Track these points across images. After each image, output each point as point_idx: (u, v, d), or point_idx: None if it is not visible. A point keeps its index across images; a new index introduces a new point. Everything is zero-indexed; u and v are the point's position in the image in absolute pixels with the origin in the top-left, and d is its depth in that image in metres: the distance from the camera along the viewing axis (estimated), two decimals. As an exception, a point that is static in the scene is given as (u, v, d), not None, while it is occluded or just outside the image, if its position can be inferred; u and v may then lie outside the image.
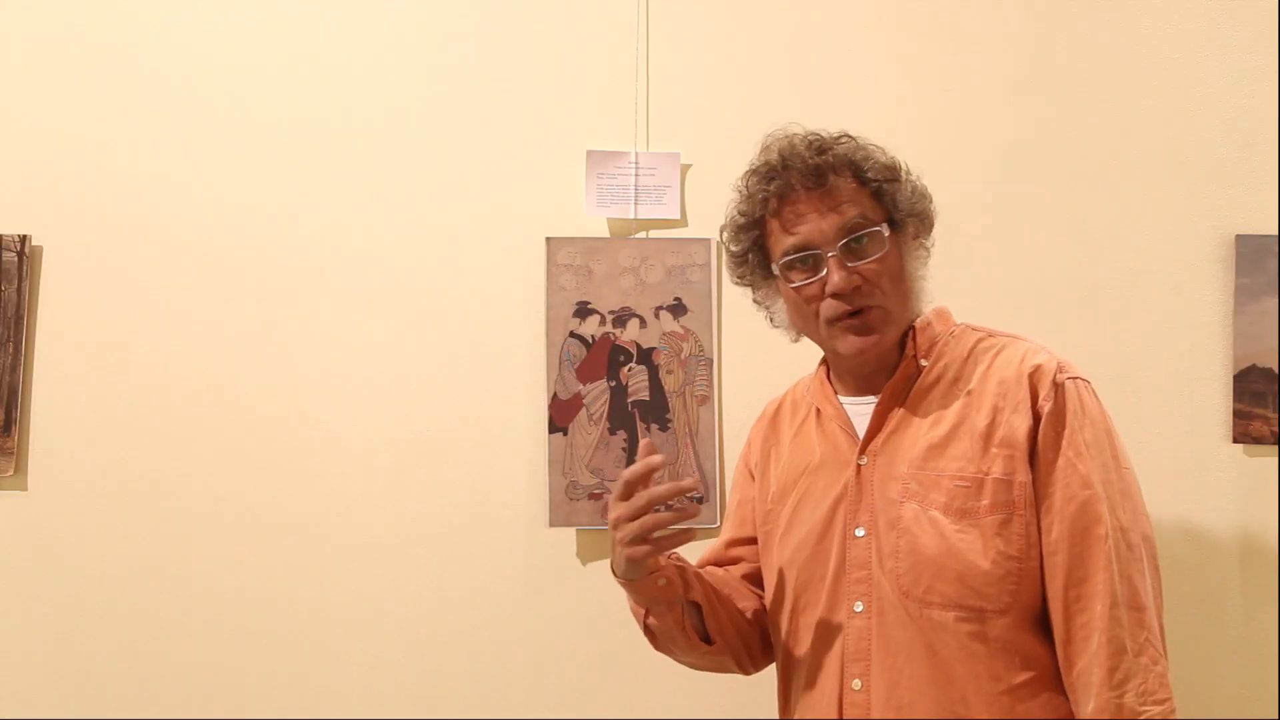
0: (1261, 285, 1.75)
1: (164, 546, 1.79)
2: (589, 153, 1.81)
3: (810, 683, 1.27)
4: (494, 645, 1.78)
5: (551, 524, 1.78)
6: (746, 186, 1.31)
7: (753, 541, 1.43)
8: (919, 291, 1.30)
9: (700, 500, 1.78)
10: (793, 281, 1.27)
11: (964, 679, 1.17)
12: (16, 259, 1.80)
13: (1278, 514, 1.73)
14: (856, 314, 1.24)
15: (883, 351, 1.27)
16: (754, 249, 1.32)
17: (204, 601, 1.78)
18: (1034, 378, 1.21)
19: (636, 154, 1.82)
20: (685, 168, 1.83)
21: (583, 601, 1.79)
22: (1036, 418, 1.20)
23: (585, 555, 1.80)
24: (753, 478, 1.46)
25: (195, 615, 1.78)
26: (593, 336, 1.81)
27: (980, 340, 1.30)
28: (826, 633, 1.26)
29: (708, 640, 1.35)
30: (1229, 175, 1.79)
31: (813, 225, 1.25)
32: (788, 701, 1.35)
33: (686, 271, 1.81)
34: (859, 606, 1.23)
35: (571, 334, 1.81)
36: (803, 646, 1.29)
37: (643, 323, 1.81)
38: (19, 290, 1.80)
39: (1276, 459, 1.74)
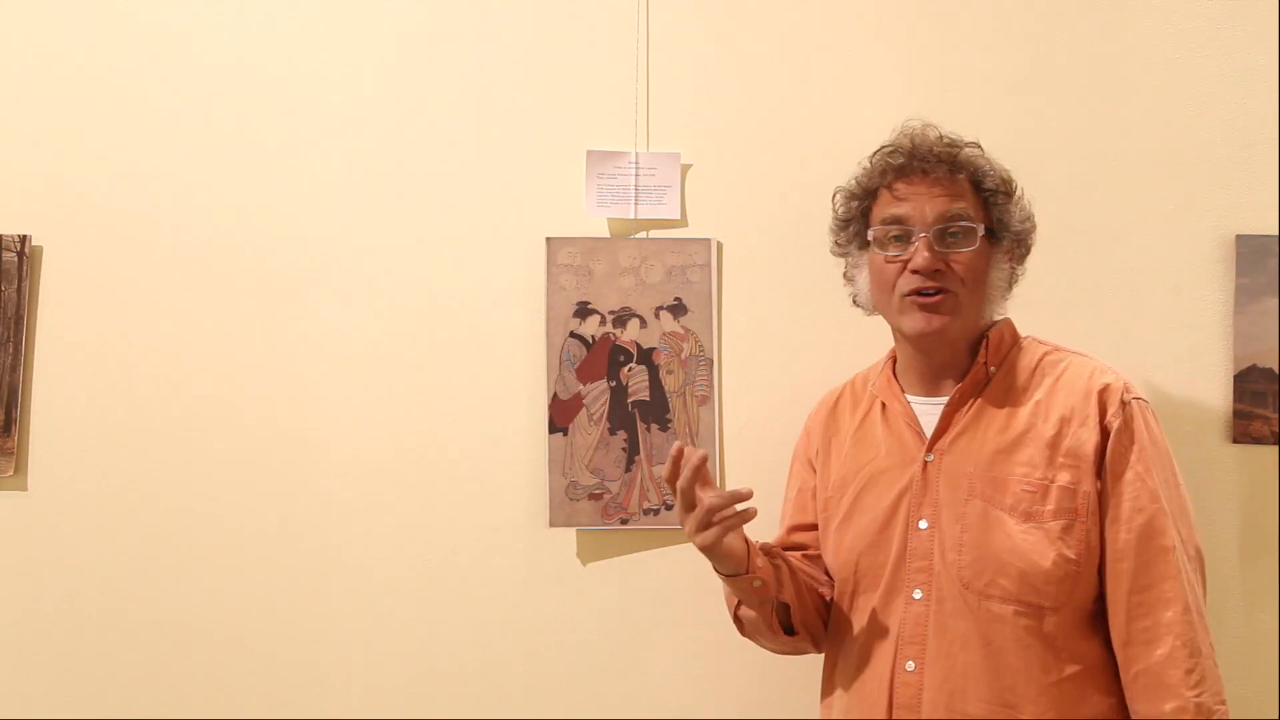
0: (1262, 285, 1.75)
1: (164, 546, 1.79)
2: (589, 153, 1.81)
3: (863, 663, 1.36)
4: (494, 645, 1.78)
5: (551, 524, 1.78)
6: (871, 160, 1.40)
7: (813, 528, 1.52)
8: (994, 301, 1.38)
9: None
10: (884, 249, 1.36)
11: (1015, 669, 1.26)
12: (16, 259, 1.80)
13: (1278, 514, 1.73)
14: (934, 294, 1.32)
15: (948, 343, 1.36)
16: (858, 218, 1.42)
17: (204, 601, 1.78)
18: (1103, 395, 1.30)
19: (636, 154, 1.82)
20: (685, 168, 1.83)
21: (583, 601, 1.79)
22: (1104, 433, 1.29)
23: (585, 555, 1.80)
24: (813, 468, 1.54)
25: (195, 615, 1.78)
26: (593, 336, 1.81)
27: (1047, 354, 1.39)
28: (883, 617, 1.35)
29: (791, 631, 1.45)
30: (1229, 175, 1.79)
31: (916, 204, 1.34)
32: (832, 681, 1.44)
33: (687, 271, 1.81)
34: (918, 594, 1.32)
35: (572, 334, 1.81)
36: (857, 629, 1.38)
37: (643, 323, 1.81)
38: (19, 290, 1.80)
39: (1276, 459, 1.74)
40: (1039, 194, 1.78)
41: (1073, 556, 1.26)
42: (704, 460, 1.27)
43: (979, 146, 1.38)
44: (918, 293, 1.33)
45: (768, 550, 1.41)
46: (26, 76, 1.84)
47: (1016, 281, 1.43)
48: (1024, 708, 1.26)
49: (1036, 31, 1.83)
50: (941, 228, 1.33)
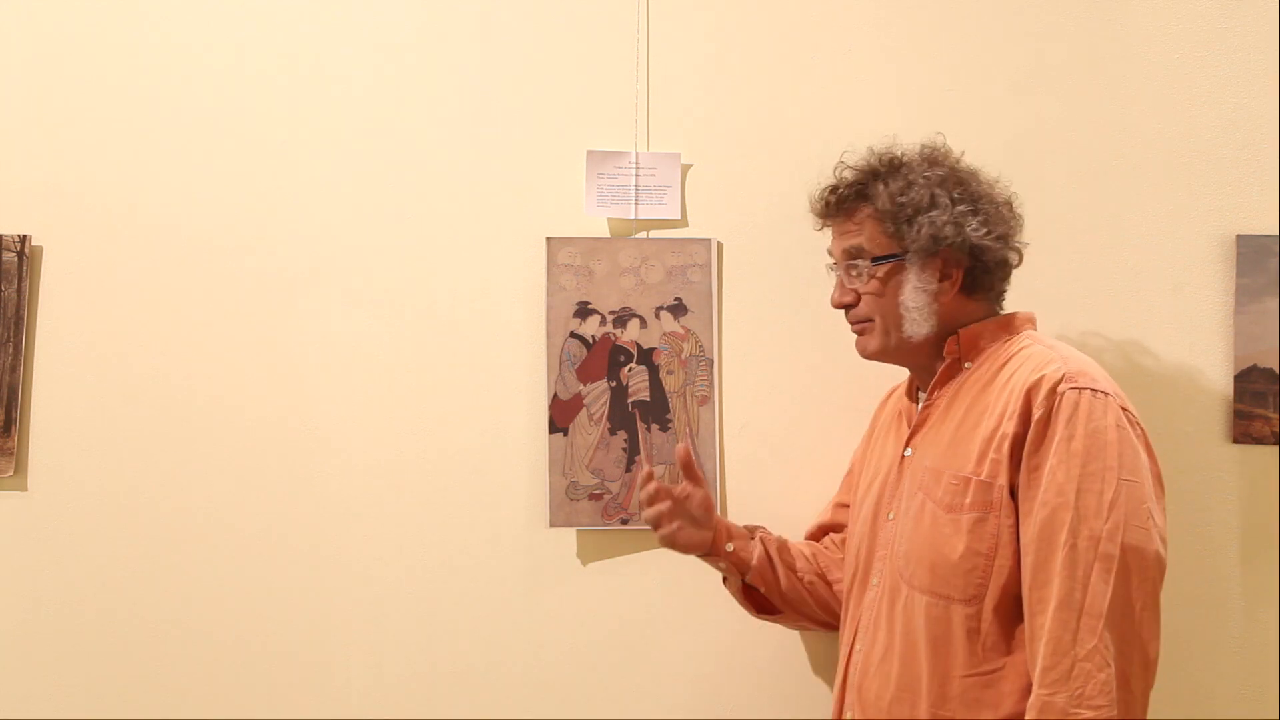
0: (1262, 285, 1.75)
1: (164, 546, 1.79)
2: (589, 153, 1.81)
3: (841, 640, 1.50)
4: (494, 645, 1.78)
5: (552, 524, 1.78)
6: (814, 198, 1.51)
7: (848, 506, 1.64)
8: (919, 319, 1.39)
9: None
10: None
11: (926, 658, 1.30)
12: (16, 259, 1.80)
13: (1278, 514, 1.73)
14: (856, 323, 1.46)
15: (905, 357, 1.44)
16: None
17: (204, 602, 1.78)
18: (1033, 387, 1.28)
19: (637, 154, 1.82)
20: (685, 168, 1.83)
21: (583, 601, 1.79)
22: (1027, 426, 1.27)
23: (585, 555, 1.80)
24: (864, 454, 1.64)
25: (195, 615, 1.78)
26: (593, 336, 1.81)
27: (1023, 348, 1.37)
28: (855, 602, 1.45)
29: (774, 610, 1.61)
30: (1229, 175, 1.79)
31: (834, 243, 1.49)
32: None
33: (687, 271, 1.81)
34: (875, 581, 1.41)
35: (572, 334, 1.81)
36: (844, 608, 1.51)
37: (643, 323, 1.81)
38: (19, 290, 1.80)
39: (1277, 459, 1.74)
40: (1039, 194, 1.79)
41: (982, 550, 1.27)
42: (650, 476, 1.55)
43: (895, 166, 1.42)
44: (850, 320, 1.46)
45: (762, 537, 1.60)
46: (26, 76, 1.84)
47: (988, 279, 1.42)
48: (926, 699, 1.28)
49: (1036, 31, 1.83)
50: (847, 264, 1.44)
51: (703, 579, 1.77)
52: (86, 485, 1.79)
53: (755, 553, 1.57)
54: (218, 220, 1.83)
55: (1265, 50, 1.80)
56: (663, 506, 1.52)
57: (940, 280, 1.39)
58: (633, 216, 1.82)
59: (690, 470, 1.55)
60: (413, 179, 1.84)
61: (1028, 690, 1.23)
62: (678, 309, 1.81)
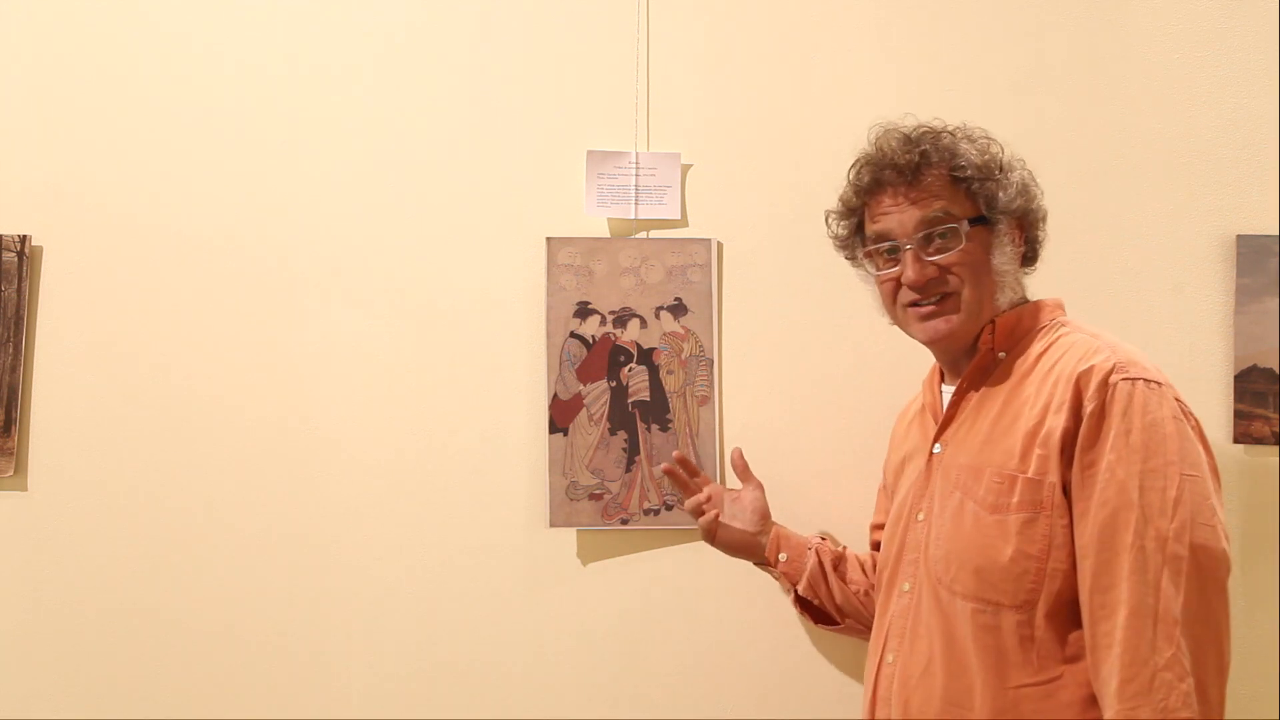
0: (1262, 285, 1.75)
1: (164, 547, 1.79)
2: (589, 153, 1.81)
3: (870, 650, 1.40)
4: (494, 645, 1.78)
5: (552, 524, 1.78)
6: (848, 176, 1.38)
7: (880, 527, 1.56)
8: (1009, 286, 1.32)
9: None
10: (877, 269, 1.36)
11: (974, 669, 1.20)
12: (16, 259, 1.80)
13: (1278, 514, 1.73)
14: (933, 302, 1.31)
15: (960, 338, 1.31)
16: (858, 233, 1.41)
17: (204, 602, 1.78)
18: (1083, 378, 1.20)
19: (637, 154, 1.82)
20: (685, 168, 1.83)
21: (583, 601, 1.79)
22: (1078, 419, 1.19)
23: (585, 555, 1.80)
24: (885, 473, 1.59)
25: (195, 615, 1.78)
26: (593, 336, 1.81)
27: (1062, 336, 1.29)
28: (884, 609, 1.36)
29: (832, 620, 1.58)
30: (1229, 175, 1.79)
31: (894, 218, 1.31)
32: None
33: (687, 271, 1.81)
34: (906, 586, 1.32)
35: (572, 334, 1.81)
36: (876, 617, 1.41)
37: (643, 323, 1.81)
38: (19, 290, 1.80)
39: (1276, 459, 1.74)
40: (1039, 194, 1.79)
41: (1033, 552, 1.18)
42: (682, 461, 1.59)
43: (952, 133, 1.32)
44: (916, 304, 1.32)
45: (818, 548, 1.57)
46: (26, 76, 1.84)
47: (1037, 249, 1.38)
48: (978, 713, 1.19)
49: (1036, 31, 1.83)
50: (925, 234, 1.29)
51: (702, 579, 1.78)
52: (86, 485, 1.79)
53: (808, 565, 1.54)
54: (218, 220, 1.83)
55: (1265, 50, 1.80)
56: (700, 497, 1.56)
57: (1017, 247, 1.34)
58: (633, 216, 1.82)
59: (745, 473, 1.61)
60: (413, 179, 1.84)
61: (1089, 700, 1.16)
62: (678, 309, 1.81)
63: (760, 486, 1.61)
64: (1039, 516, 1.19)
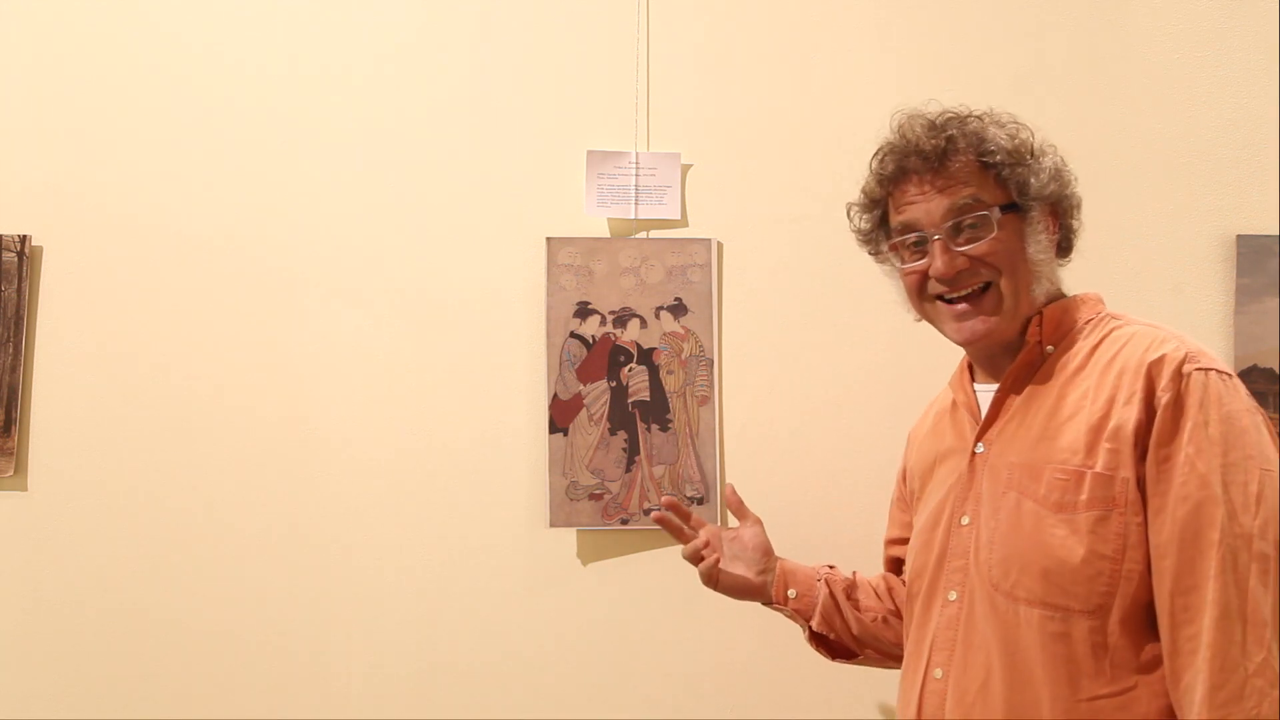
0: (1262, 285, 1.75)
1: (164, 547, 1.79)
2: (589, 153, 1.81)
3: (906, 667, 1.28)
4: (494, 645, 1.78)
5: (552, 524, 1.78)
6: (871, 166, 1.29)
7: (899, 542, 1.46)
8: (1046, 277, 1.24)
9: (701, 501, 1.78)
10: (903, 262, 1.26)
11: (1041, 681, 1.11)
12: (16, 259, 1.80)
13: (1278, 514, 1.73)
14: (967, 298, 1.21)
15: (1000, 337, 1.22)
16: (881, 226, 1.31)
17: (204, 602, 1.78)
18: (1154, 367, 1.12)
19: (637, 154, 1.82)
20: (685, 168, 1.83)
21: (583, 601, 1.79)
22: (1151, 411, 1.11)
23: (585, 555, 1.80)
24: (901, 480, 1.48)
25: (195, 615, 1.78)
26: (593, 336, 1.81)
27: (1116, 328, 1.22)
28: (924, 620, 1.25)
29: (850, 653, 1.46)
30: (1229, 175, 1.79)
31: (920, 207, 1.22)
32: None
33: (687, 271, 1.81)
34: (952, 595, 1.21)
35: (572, 334, 1.81)
36: (910, 631, 1.29)
37: (643, 323, 1.81)
38: (19, 290, 1.80)
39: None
40: (1039, 194, 1.79)
41: (1107, 553, 1.09)
42: (672, 506, 1.44)
43: (979, 117, 1.25)
44: (947, 298, 1.23)
45: (828, 578, 1.44)
46: (26, 77, 1.84)
47: (1072, 238, 1.30)
48: None
49: (1036, 31, 1.83)
50: (953, 224, 1.20)
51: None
52: (86, 485, 1.79)
53: (820, 598, 1.42)
54: (218, 220, 1.83)
55: (1265, 50, 1.80)
56: (698, 542, 1.42)
57: (1051, 235, 1.25)
58: (633, 216, 1.82)
59: (740, 510, 1.48)
60: (413, 179, 1.84)
61: (1166, 711, 1.08)
62: (678, 309, 1.81)
63: (759, 522, 1.49)
64: (1111, 514, 1.10)
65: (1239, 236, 1.76)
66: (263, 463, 1.80)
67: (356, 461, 1.80)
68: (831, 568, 1.48)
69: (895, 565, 1.48)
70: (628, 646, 1.79)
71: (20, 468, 1.79)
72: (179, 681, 1.77)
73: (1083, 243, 1.77)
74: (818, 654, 1.46)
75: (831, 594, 1.42)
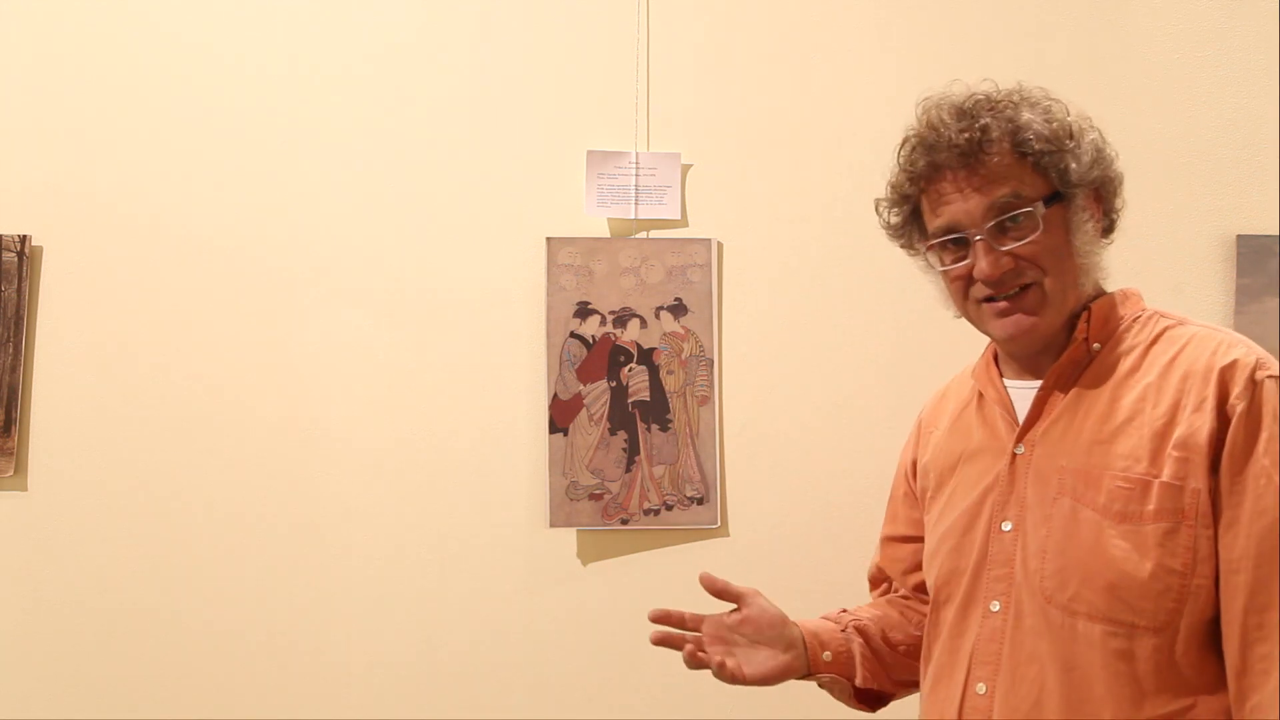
0: (1262, 285, 1.75)
1: (164, 547, 1.79)
2: (589, 153, 1.81)
3: (938, 679, 1.20)
4: (494, 645, 1.78)
5: (552, 524, 1.78)
6: (898, 159, 1.21)
7: (905, 540, 1.39)
8: (1093, 267, 1.18)
9: (701, 501, 1.78)
10: (943, 264, 1.18)
11: (1102, 700, 1.06)
12: (16, 259, 1.80)
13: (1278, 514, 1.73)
14: (1010, 296, 1.14)
15: (1045, 334, 1.16)
16: (912, 220, 1.23)
17: (204, 602, 1.78)
18: (1226, 373, 1.07)
19: (637, 154, 1.82)
20: (685, 168, 1.83)
21: (583, 602, 1.79)
22: (1224, 419, 1.06)
23: (585, 556, 1.80)
24: (906, 477, 1.39)
25: (195, 615, 1.78)
26: (593, 336, 1.81)
27: (1169, 328, 1.16)
28: (959, 630, 1.18)
29: (890, 696, 1.35)
30: (1229, 175, 1.79)
31: (958, 206, 1.14)
32: (922, 701, 1.28)
33: (687, 271, 1.81)
34: (995, 606, 1.14)
35: (572, 334, 1.81)
36: (938, 641, 1.22)
37: (643, 323, 1.81)
38: (19, 290, 1.80)
39: (1277, 459, 1.74)
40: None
41: (1176, 567, 1.04)
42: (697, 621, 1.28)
43: (1013, 101, 1.18)
44: (992, 299, 1.15)
45: (854, 625, 1.33)
46: (26, 77, 1.84)
47: (1114, 219, 1.24)
48: None
49: (1036, 31, 1.83)
50: (995, 223, 1.12)
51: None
52: (86, 485, 1.79)
53: (856, 653, 1.30)
54: (218, 220, 1.83)
55: (1265, 50, 1.80)
56: (704, 657, 1.26)
57: (1096, 220, 1.18)
58: (633, 216, 1.82)
59: (727, 594, 1.29)
60: (413, 179, 1.84)
61: None
62: (678, 309, 1.81)
63: (758, 594, 1.30)
64: (1180, 526, 1.05)
65: (1239, 236, 1.76)
66: (263, 463, 1.80)
67: (357, 461, 1.80)
68: (844, 611, 1.38)
69: (893, 564, 1.41)
70: (628, 646, 1.79)
71: (20, 468, 1.79)
72: (179, 681, 1.77)
73: (1083, 243, 1.79)
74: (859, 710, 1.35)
75: (867, 643, 1.32)
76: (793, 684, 1.80)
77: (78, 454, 1.79)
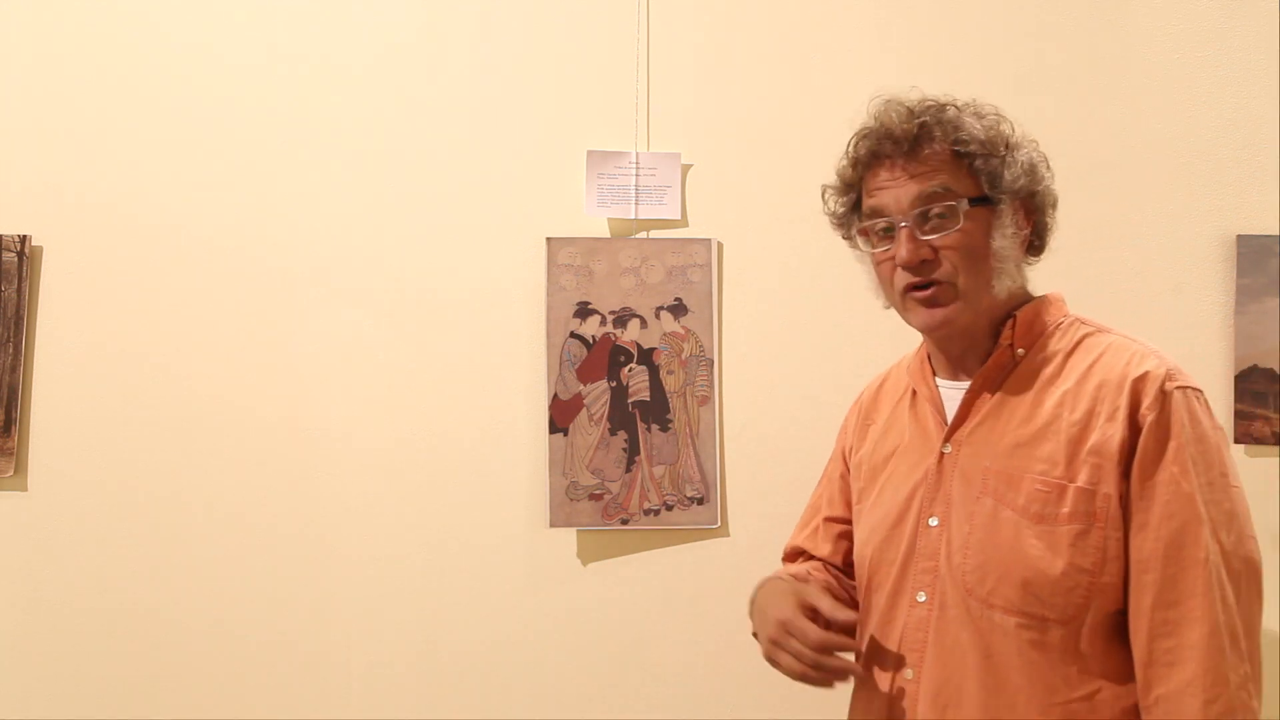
0: (1263, 285, 1.75)
1: (164, 547, 1.79)
2: (589, 153, 1.81)
3: (869, 664, 1.27)
4: (494, 645, 1.78)
5: (552, 524, 1.78)
6: (846, 149, 1.29)
7: (841, 521, 1.45)
8: (1010, 274, 1.23)
9: (701, 501, 1.78)
10: (872, 247, 1.25)
11: (1017, 687, 1.14)
12: (16, 259, 1.80)
13: (1278, 514, 1.73)
14: (927, 286, 1.20)
15: (962, 331, 1.23)
16: (854, 211, 1.30)
17: (204, 602, 1.78)
18: (1138, 384, 1.15)
19: (637, 154, 1.82)
20: (685, 168, 1.83)
21: (583, 601, 1.79)
22: (1135, 428, 1.13)
23: (585, 555, 1.80)
24: (845, 459, 1.46)
25: (195, 616, 1.78)
26: (593, 336, 1.81)
27: (1088, 335, 1.23)
28: (889, 618, 1.25)
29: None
30: (1229, 175, 1.79)
31: (890, 193, 1.22)
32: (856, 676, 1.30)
33: (687, 271, 1.81)
34: (921, 597, 1.22)
35: (572, 334, 1.81)
36: (869, 627, 1.28)
37: (643, 323, 1.81)
38: (19, 290, 1.80)
39: (1277, 459, 1.74)
40: (1039, 194, 1.79)
41: (1086, 566, 1.12)
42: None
43: (959, 107, 1.25)
44: (913, 287, 1.21)
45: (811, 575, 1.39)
46: (26, 77, 1.84)
47: (1045, 236, 1.30)
48: None
49: (1037, 31, 1.83)
50: (921, 212, 1.19)
51: (702, 579, 1.77)
52: (86, 485, 1.79)
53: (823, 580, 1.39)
54: (218, 220, 1.83)
55: (1265, 50, 1.80)
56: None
57: (1020, 231, 1.24)
58: (633, 216, 1.82)
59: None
60: (413, 179, 1.84)
61: (1129, 713, 1.12)
62: (678, 309, 1.81)
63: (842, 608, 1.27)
64: (1092, 528, 1.13)
65: (1239, 236, 1.76)
66: (263, 462, 1.80)
67: (357, 461, 1.80)
68: (810, 572, 1.43)
69: (825, 542, 1.45)
70: (628, 646, 1.79)
71: (20, 468, 1.79)
72: (179, 681, 1.77)
73: (1083, 243, 1.79)
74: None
75: (829, 574, 1.42)
76: (793, 684, 1.80)
77: (78, 454, 1.80)
